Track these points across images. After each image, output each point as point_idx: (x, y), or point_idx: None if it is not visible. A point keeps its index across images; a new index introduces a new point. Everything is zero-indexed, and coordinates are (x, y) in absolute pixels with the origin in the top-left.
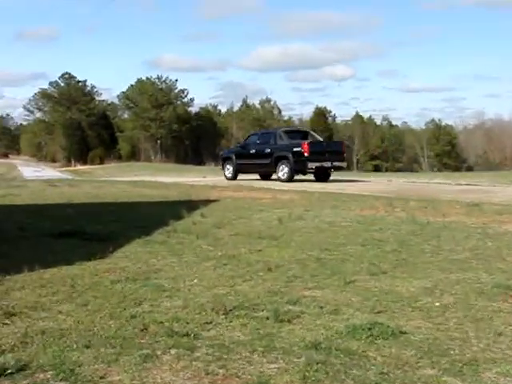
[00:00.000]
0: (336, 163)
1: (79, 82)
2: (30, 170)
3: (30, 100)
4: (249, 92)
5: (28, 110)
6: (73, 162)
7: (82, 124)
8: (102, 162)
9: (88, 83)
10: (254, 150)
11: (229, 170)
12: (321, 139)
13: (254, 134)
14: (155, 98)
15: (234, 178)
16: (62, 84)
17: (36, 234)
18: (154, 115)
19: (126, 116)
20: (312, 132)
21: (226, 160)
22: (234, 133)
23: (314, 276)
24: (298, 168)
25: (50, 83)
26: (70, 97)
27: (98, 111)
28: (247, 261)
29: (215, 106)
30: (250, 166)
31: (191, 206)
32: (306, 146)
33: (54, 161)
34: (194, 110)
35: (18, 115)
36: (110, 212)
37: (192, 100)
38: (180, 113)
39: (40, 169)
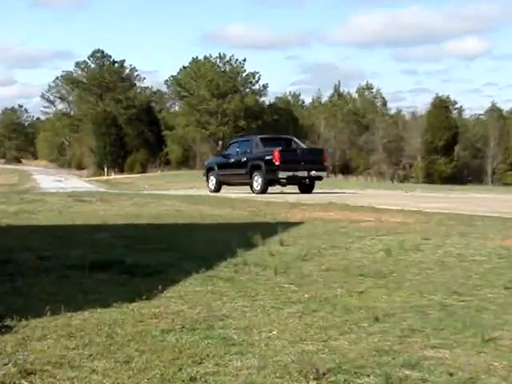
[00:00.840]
0: (313, 173)
1: (115, 62)
2: (50, 180)
3: (49, 87)
4: (342, 76)
5: (47, 100)
6: (105, 169)
7: (118, 119)
8: (144, 170)
9: (126, 64)
10: (233, 160)
11: (212, 181)
12: (304, 147)
13: (234, 142)
14: (216, 84)
15: (218, 190)
16: (93, 65)
17: (60, 265)
18: (215, 107)
19: (176, 109)
20: (296, 140)
21: (209, 171)
22: (321, 132)
23: (439, 330)
24: (269, 178)
25: (77, 64)
26: (102, 82)
27: (139, 102)
28: (345, 306)
29: (297, 96)
30: (230, 177)
31: (266, 230)
32: (276, 153)
33: (80, 167)
34: (268, 100)
35: (34, 107)
36: (157, 237)
37: (265, 87)
38: (249, 105)
39: (62, 178)
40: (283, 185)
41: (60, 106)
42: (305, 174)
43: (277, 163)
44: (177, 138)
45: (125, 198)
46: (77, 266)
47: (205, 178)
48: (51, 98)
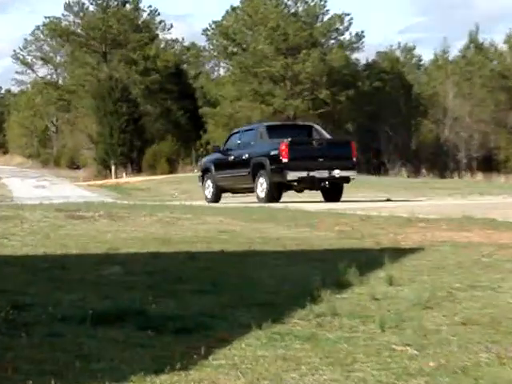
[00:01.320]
0: (337, 172)
1: (125, 3)
2: (28, 186)
3: (25, 42)
4: (482, 18)
5: (22, 63)
6: (113, 168)
7: (131, 90)
8: (172, 169)
9: (144, 6)
10: (232, 157)
11: (209, 187)
12: (327, 136)
13: (235, 132)
14: (283, 34)
15: (216, 199)
16: (92, 7)
17: (48, 317)
18: (282, 70)
19: (221, 73)
20: (318, 127)
21: (205, 173)
22: (448, 105)
23: None
24: (276, 180)
25: (67, 6)
26: (107, 34)
27: (163, 64)
28: (494, 381)
29: (410, 50)
30: (230, 181)
31: (366, 260)
32: (284, 146)
33: (74, 166)
34: (364, 58)
35: (2, 73)
36: (195, 273)
37: (360, 38)
38: (335, 65)
39: (47, 182)
40: (298, 190)
41: (42, 71)
42: (324, 174)
43: (284, 160)
44: (222, 118)
45: (144, 212)
46: (73, 319)
47: (200, 183)
48: (28, 59)
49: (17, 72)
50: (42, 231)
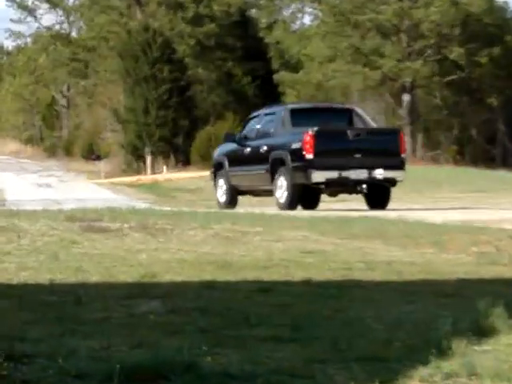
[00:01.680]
0: (379, 172)
1: None
2: (27, 183)
3: None
4: None
5: (20, 6)
6: (149, 158)
7: (175, 46)
8: None
9: None
10: (248, 149)
11: (222, 188)
12: (372, 124)
13: (255, 116)
14: None
15: (230, 202)
16: None
17: (57, 373)
18: (393, 17)
19: (305, 22)
20: (360, 111)
21: (217, 169)
22: None
23: None
24: (298, 181)
25: None
26: None
27: (222, 9)
28: None
29: None
30: (244, 180)
31: None
32: (308, 138)
33: (91, 156)
34: None
35: None
36: (268, 310)
37: None
38: (474, 10)
39: (54, 179)
40: (330, 194)
41: (47, 18)
42: (362, 174)
43: (308, 156)
44: (307, 87)
45: (194, 223)
46: (94, 376)
47: (213, 182)
48: (28, 1)
49: (12, 20)
50: (48, 249)
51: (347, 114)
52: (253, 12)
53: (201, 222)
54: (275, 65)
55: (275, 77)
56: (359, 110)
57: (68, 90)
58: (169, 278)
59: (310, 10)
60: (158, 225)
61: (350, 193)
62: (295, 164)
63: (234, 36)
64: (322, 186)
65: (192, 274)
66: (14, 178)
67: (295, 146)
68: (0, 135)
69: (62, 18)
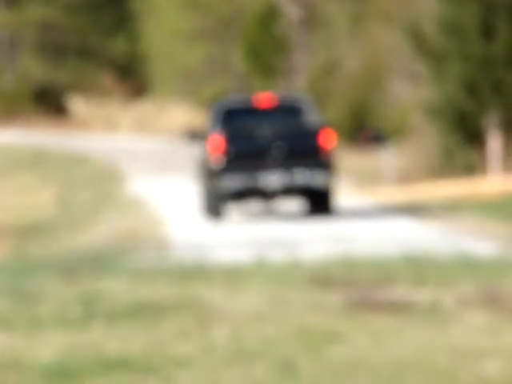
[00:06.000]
0: (300, 178)
1: None
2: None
3: None
4: None
5: None
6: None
7: None
8: None
9: None
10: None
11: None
12: (316, 118)
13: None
14: None
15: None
16: None
17: None
18: None
19: None
20: (302, 105)
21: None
22: None
23: None
24: (210, 189)
25: None
26: None
27: None
28: None
29: None
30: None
31: None
32: (217, 138)
33: (362, 136)
34: None
35: None
36: None
37: None
38: None
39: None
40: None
41: None
42: (277, 180)
43: (215, 162)
44: None
45: None
46: None
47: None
48: None
49: None
50: (274, 354)
51: (298, 109)
52: None
53: None
54: None
55: None
56: (304, 104)
57: None
58: None
59: None
60: None
61: (267, 201)
62: (204, 170)
63: None
64: (234, 194)
65: None
66: (183, 188)
67: (209, 150)
68: (151, 94)
69: None
